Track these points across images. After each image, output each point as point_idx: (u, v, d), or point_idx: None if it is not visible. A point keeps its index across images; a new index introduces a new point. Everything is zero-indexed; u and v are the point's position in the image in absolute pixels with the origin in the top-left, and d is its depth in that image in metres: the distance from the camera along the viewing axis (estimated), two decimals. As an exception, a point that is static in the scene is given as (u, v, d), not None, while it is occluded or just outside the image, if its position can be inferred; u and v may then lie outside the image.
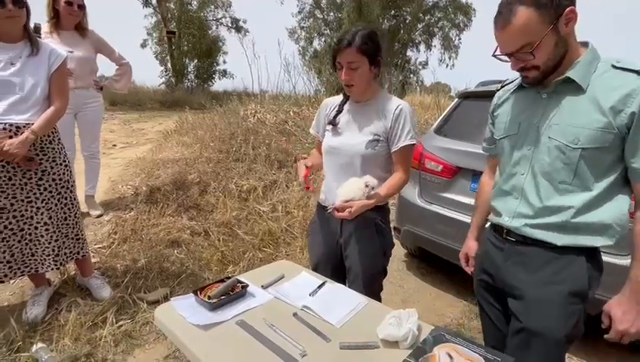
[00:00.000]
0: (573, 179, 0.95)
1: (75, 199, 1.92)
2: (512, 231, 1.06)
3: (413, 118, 1.36)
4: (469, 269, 1.32)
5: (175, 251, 2.61)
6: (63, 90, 1.81)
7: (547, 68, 0.95)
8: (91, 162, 2.96)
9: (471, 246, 1.32)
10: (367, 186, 1.29)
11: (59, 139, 1.86)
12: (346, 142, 1.40)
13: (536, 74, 0.96)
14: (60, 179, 1.83)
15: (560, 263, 0.99)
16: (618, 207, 0.95)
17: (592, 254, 0.99)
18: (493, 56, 0.98)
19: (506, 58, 0.97)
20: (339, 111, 1.45)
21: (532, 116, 1.02)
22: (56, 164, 1.81)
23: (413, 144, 1.36)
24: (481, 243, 1.27)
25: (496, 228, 1.14)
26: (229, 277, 1.24)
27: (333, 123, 1.44)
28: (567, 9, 0.88)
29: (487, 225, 1.24)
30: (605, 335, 0.96)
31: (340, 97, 1.49)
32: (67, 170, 1.87)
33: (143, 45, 19.27)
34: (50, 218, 1.80)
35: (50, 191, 1.80)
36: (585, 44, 0.97)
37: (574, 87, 0.94)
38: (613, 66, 0.92)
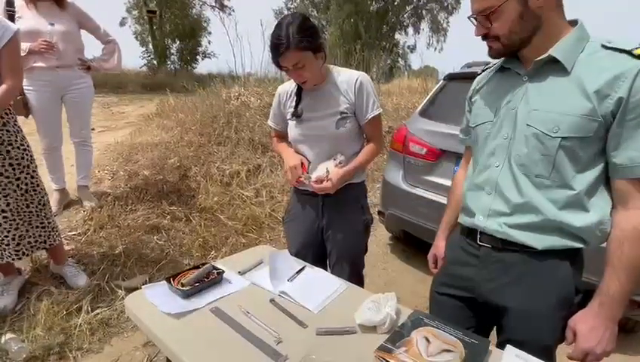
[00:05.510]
0: (551, 173, 0.85)
1: (38, 185, 1.80)
2: (487, 235, 0.95)
3: (373, 86, 1.37)
4: (436, 272, 1.21)
5: (155, 237, 2.54)
6: (16, 66, 1.65)
7: (511, 42, 0.86)
8: (83, 149, 2.69)
9: (440, 246, 1.20)
10: (335, 160, 1.35)
11: (15, 120, 1.73)
12: (315, 126, 1.36)
13: (498, 46, 0.87)
14: (19, 164, 1.70)
15: (543, 270, 0.90)
16: (601, 208, 0.85)
17: (574, 255, 0.90)
18: (468, 17, 0.89)
19: (475, 21, 0.88)
20: (298, 101, 1.38)
21: (511, 101, 0.91)
22: (13, 148, 1.68)
23: (380, 113, 1.38)
24: (447, 249, 1.15)
25: (469, 233, 1.01)
26: (204, 264, 1.19)
27: (296, 115, 1.38)
28: None
29: (455, 230, 1.12)
30: (567, 353, 0.88)
31: (293, 83, 1.40)
32: (26, 154, 1.74)
33: (122, 23, 18.48)
34: (7, 205, 1.68)
35: (8, 177, 1.67)
36: (574, 22, 0.86)
37: (558, 68, 0.83)
38: (604, 46, 0.81)
